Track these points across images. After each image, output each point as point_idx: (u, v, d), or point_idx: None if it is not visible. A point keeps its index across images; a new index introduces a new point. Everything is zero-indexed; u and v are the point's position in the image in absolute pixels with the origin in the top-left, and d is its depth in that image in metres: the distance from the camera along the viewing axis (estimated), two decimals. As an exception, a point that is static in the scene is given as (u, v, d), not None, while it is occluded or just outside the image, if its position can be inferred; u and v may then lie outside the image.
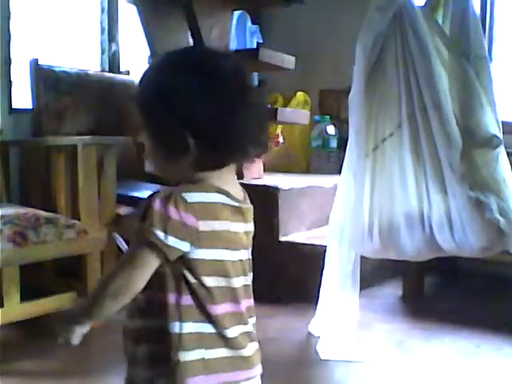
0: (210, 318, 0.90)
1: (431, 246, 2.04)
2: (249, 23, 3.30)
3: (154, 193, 0.89)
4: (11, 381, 1.85)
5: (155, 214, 0.86)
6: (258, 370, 0.97)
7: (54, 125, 2.77)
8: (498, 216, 1.89)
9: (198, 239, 0.88)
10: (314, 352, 2.09)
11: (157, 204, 0.87)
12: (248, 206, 0.98)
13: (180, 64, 0.94)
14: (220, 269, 0.91)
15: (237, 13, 3.21)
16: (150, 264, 0.88)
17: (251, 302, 0.98)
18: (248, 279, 0.97)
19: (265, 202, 2.72)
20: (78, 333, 0.94)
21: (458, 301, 2.76)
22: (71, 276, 2.37)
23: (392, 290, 2.88)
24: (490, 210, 1.89)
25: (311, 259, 2.42)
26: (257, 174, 3.02)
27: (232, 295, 0.92)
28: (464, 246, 1.96)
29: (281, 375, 1.90)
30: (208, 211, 0.90)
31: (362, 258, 2.21)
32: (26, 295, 2.11)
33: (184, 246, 0.88)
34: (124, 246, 1.18)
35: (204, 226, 0.89)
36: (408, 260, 2.27)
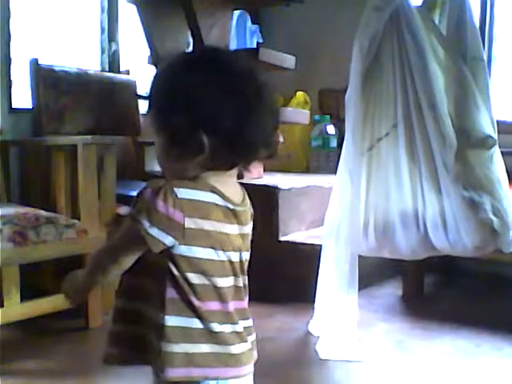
0: (196, 313, 0.91)
1: (425, 245, 2.05)
2: (249, 23, 3.30)
3: (149, 182, 0.90)
4: (11, 381, 1.85)
5: (143, 204, 0.88)
6: (248, 368, 0.97)
7: (54, 125, 2.77)
8: (492, 216, 1.90)
9: (183, 236, 0.89)
10: (314, 352, 2.09)
11: (147, 194, 0.88)
12: (243, 209, 0.97)
13: (195, 63, 0.94)
14: (203, 267, 0.91)
15: (237, 13, 3.21)
16: (133, 249, 0.90)
17: (243, 304, 0.98)
18: (239, 281, 0.96)
19: (265, 201, 2.72)
20: (80, 297, 1.05)
21: (457, 300, 2.77)
22: (71, 276, 2.37)
23: (392, 290, 2.88)
24: (484, 210, 1.90)
25: (311, 259, 2.42)
26: (257, 173, 3.02)
27: (218, 294, 0.93)
28: (457, 246, 1.97)
29: (280, 375, 1.90)
30: (198, 209, 0.90)
31: (362, 257, 2.21)
32: (26, 295, 2.11)
33: (167, 240, 0.88)
34: None
35: (191, 223, 0.89)
36: (403, 259, 2.27)
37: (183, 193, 0.89)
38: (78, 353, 2.11)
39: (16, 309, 2.07)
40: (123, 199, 2.49)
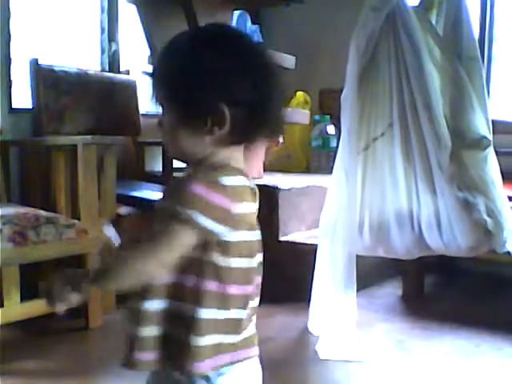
0: (227, 303, 0.90)
1: (420, 245, 2.06)
2: (249, 23, 3.30)
3: (188, 175, 0.90)
4: (11, 381, 1.85)
5: (194, 198, 0.86)
6: (256, 350, 0.97)
7: (54, 125, 2.77)
8: (486, 217, 1.91)
9: (233, 222, 0.89)
10: (314, 351, 2.09)
11: (195, 187, 0.86)
12: (256, 186, 0.98)
13: (212, 36, 0.94)
14: (248, 250, 0.93)
15: (237, 13, 3.21)
16: (183, 245, 0.87)
17: (260, 279, 0.98)
18: (261, 257, 0.98)
19: (265, 201, 2.71)
20: (73, 299, 0.90)
21: (457, 301, 2.77)
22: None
23: (392, 290, 2.88)
24: (478, 211, 1.91)
25: (311, 259, 2.42)
26: (257, 173, 3.02)
27: (250, 275, 0.94)
28: (451, 246, 1.99)
29: (280, 375, 1.90)
30: (238, 194, 0.90)
31: (362, 257, 2.22)
32: (26, 295, 2.11)
33: (220, 229, 0.88)
34: (117, 239, 1.02)
35: (236, 208, 0.89)
36: (398, 258, 2.27)
37: (227, 180, 0.89)
38: (78, 353, 2.11)
39: (16, 309, 2.07)
40: (123, 199, 2.50)
